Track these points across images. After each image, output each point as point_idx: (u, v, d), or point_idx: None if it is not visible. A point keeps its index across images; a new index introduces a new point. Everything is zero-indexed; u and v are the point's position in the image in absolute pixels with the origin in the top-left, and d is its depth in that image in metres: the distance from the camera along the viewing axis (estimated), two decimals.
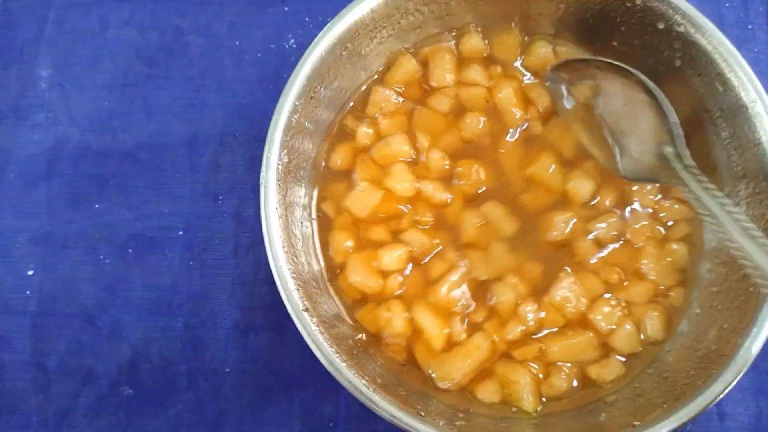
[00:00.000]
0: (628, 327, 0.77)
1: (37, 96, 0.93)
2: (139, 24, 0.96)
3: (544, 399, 0.76)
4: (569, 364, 0.77)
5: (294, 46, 0.93)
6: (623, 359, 0.78)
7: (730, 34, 0.93)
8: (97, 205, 0.89)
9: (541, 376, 0.77)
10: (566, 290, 0.78)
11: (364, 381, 0.68)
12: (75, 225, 0.89)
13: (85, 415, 0.83)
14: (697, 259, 0.80)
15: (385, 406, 0.67)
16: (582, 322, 0.78)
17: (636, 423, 0.68)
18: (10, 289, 0.87)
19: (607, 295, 0.79)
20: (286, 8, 0.96)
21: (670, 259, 0.80)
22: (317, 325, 0.69)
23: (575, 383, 0.77)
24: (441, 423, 0.69)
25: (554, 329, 0.78)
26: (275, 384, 0.83)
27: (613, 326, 0.77)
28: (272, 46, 0.94)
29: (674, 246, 0.80)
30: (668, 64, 0.81)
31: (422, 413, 0.69)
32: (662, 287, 0.79)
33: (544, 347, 0.77)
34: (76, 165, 0.91)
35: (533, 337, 0.78)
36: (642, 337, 0.78)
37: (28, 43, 0.95)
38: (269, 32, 0.95)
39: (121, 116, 0.92)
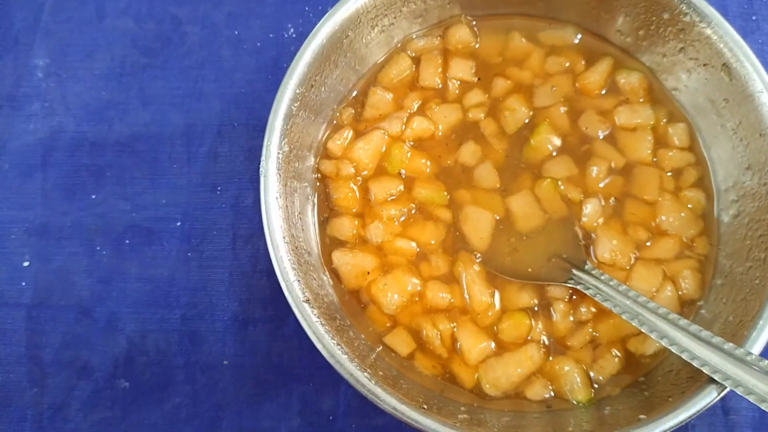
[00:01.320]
0: (668, 289, 0.76)
1: (33, 86, 0.92)
2: (136, 13, 0.95)
3: (596, 385, 0.75)
4: (615, 348, 0.76)
5: (293, 35, 0.93)
6: None
7: (734, 25, 0.92)
8: (93, 196, 0.88)
9: (584, 368, 0.75)
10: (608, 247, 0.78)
11: (365, 373, 0.67)
12: (71, 216, 0.88)
13: (81, 408, 0.82)
14: (713, 202, 0.80)
15: (387, 399, 0.65)
16: None
17: (642, 416, 0.67)
18: (4, 280, 0.86)
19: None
20: None
21: (690, 206, 0.79)
22: (318, 317, 0.68)
23: (621, 363, 0.75)
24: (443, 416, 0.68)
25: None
26: (274, 377, 0.82)
27: (654, 289, 0.76)
28: (271, 35, 0.93)
29: (688, 193, 0.80)
30: (673, 53, 0.80)
31: (425, 406, 0.67)
32: (686, 239, 0.78)
33: (592, 330, 0.76)
34: (72, 155, 0.90)
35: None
36: (680, 293, 0.77)
37: (23, 32, 0.94)
38: (268, 22, 0.94)
39: (118, 106, 0.91)
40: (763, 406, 0.60)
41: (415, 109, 0.83)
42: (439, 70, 0.85)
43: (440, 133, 0.82)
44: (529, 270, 0.77)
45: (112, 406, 0.82)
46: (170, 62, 0.93)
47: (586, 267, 0.75)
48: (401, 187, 0.80)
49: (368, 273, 0.77)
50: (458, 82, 0.84)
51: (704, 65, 0.78)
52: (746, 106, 0.75)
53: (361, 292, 0.78)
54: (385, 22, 0.81)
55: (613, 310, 0.71)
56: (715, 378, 0.63)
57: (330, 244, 0.80)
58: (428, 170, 0.81)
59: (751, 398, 0.61)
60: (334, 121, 0.83)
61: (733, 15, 0.95)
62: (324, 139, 0.82)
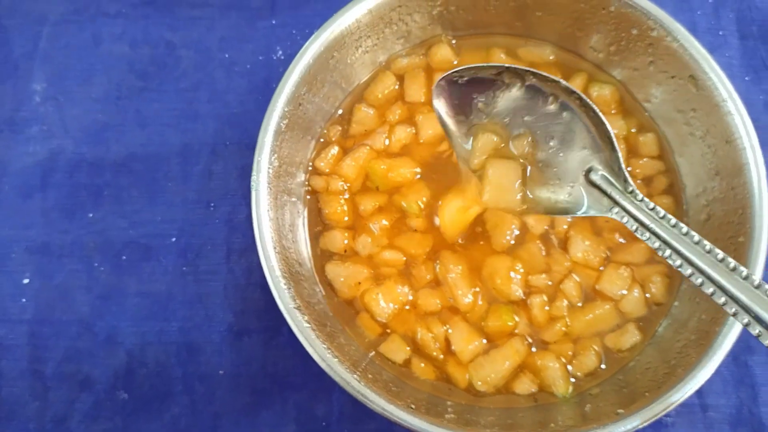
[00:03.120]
0: (636, 292, 0.80)
1: (32, 110, 0.96)
2: (132, 39, 0.98)
3: (573, 380, 0.78)
4: (593, 342, 0.79)
5: (282, 57, 0.96)
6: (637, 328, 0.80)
7: (703, 40, 0.96)
8: (91, 215, 0.91)
9: (563, 360, 0.79)
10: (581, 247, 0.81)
11: (355, 375, 0.70)
12: (70, 234, 0.90)
13: (82, 420, 0.84)
14: (682, 207, 0.83)
15: (376, 400, 0.68)
16: (598, 293, 0.81)
17: (620, 411, 0.70)
18: (6, 297, 0.89)
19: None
20: (274, 22, 0.99)
21: None
22: (309, 323, 0.71)
23: (598, 358, 0.79)
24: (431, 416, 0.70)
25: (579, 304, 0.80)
26: (269, 386, 0.85)
27: (624, 291, 0.80)
28: (261, 58, 0.97)
29: (659, 199, 0.84)
30: (643, 67, 0.84)
31: (412, 406, 0.70)
32: None
33: (569, 323, 0.79)
34: (71, 176, 0.93)
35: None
36: (647, 296, 0.81)
37: (22, 58, 0.98)
38: (258, 45, 0.98)
39: (115, 128, 0.94)
40: None
41: (396, 118, 0.87)
42: (423, 85, 0.88)
43: (422, 140, 0.86)
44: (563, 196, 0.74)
45: (113, 418, 0.84)
46: (165, 85, 0.96)
47: (630, 190, 0.68)
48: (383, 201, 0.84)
49: (360, 283, 0.81)
50: None
51: (672, 77, 0.82)
52: (713, 115, 0.78)
53: (354, 301, 0.81)
54: (368, 43, 0.85)
55: (656, 250, 0.65)
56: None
57: (322, 256, 0.83)
58: (413, 176, 0.85)
59: None
60: (322, 139, 0.87)
61: (702, 31, 0.99)
62: (312, 155, 0.86)
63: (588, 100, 0.70)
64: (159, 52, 0.98)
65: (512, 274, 0.80)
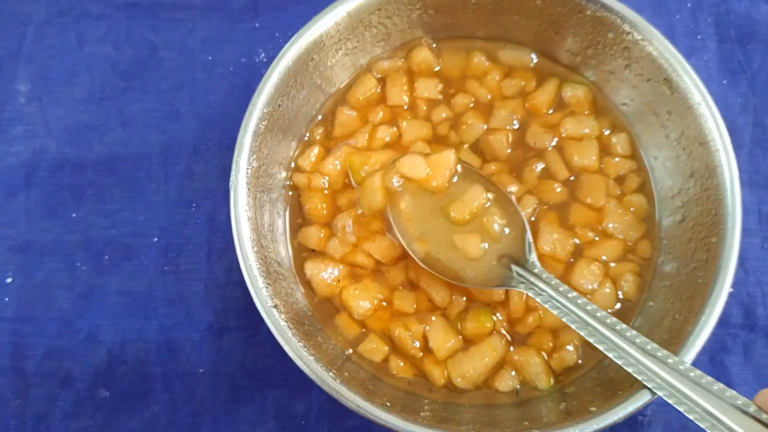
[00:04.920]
0: (607, 288, 0.81)
1: (16, 110, 0.96)
2: (115, 40, 0.99)
3: (555, 372, 0.80)
4: (572, 336, 0.80)
5: (264, 59, 0.97)
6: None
7: (681, 44, 0.99)
8: (74, 214, 0.92)
9: (544, 355, 0.80)
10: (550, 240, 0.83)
11: (331, 373, 0.70)
12: (52, 233, 0.91)
13: (63, 418, 0.85)
14: (654, 206, 0.85)
15: (351, 397, 0.69)
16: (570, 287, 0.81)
17: (593, 409, 0.71)
18: None
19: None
20: (256, 24, 1.00)
21: (633, 209, 0.84)
22: (286, 321, 0.72)
23: (579, 352, 0.81)
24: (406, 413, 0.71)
25: None
26: (248, 384, 0.86)
27: (595, 285, 0.81)
28: (243, 60, 0.98)
29: (631, 198, 0.85)
30: (619, 70, 0.85)
31: (388, 404, 0.71)
32: (630, 242, 0.84)
33: (541, 314, 0.81)
34: (54, 175, 0.94)
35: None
36: (619, 293, 0.82)
37: (6, 59, 0.99)
38: (240, 47, 0.99)
39: (98, 128, 0.95)
40: (691, 417, 0.64)
41: (378, 120, 0.88)
42: (405, 88, 0.89)
43: (404, 143, 0.87)
44: (471, 273, 0.79)
45: (94, 415, 0.85)
46: (148, 86, 0.97)
47: (535, 269, 0.77)
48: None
49: (339, 281, 0.82)
50: (425, 100, 0.90)
51: (648, 80, 0.83)
52: (687, 117, 0.79)
53: (333, 299, 0.82)
54: (348, 46, 0.86)
55: (558, 316, 0.73)
56: (649, 386, 0.68)
57: (300, 251, 0.84)
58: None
59: (681, 408, 0.65)
60: (305, 139, 0.88)
61: (680, 35, 1.00)
62: (295, 155, 0.87)
63: (497, 187, 0.79)
64: (142, 54, 0.98)
65: None
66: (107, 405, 0.85)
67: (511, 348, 0.80)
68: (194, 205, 0.92)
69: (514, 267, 0.77)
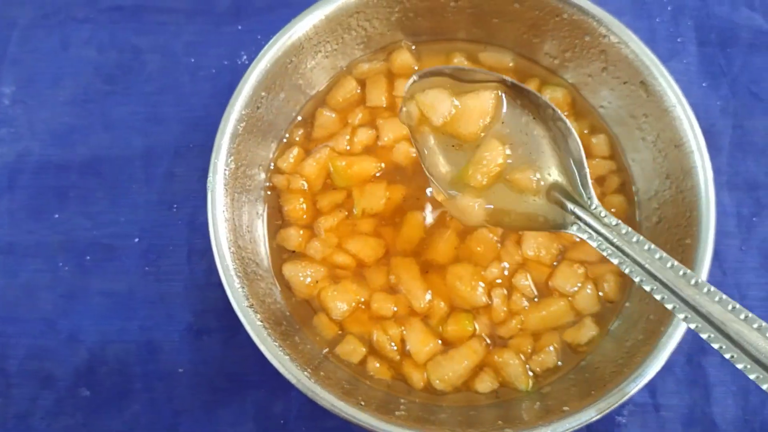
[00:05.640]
0: (589, 289, 0.82)
1: (0, 112, 0.97)
2: (99, 43, 1.00)
3: (532, 374, 0.80)
4: (552, 337, 0.81)
5: (246, 62, 0.98)
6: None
7: (662, 47, 0.99)
8: (56, 216, 0.93)
9: (522, 357, 0.80)
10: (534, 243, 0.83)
11: (305, 373, 0.71)
12: (35, 234, 0.92)
13: (44, 417, 0.86)
14: (634, 207, 0.86)
15: (325, 396, 0.70)
16: (551, 289, 0.83)
17: (565, 408, 0.71)
18: None
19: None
20: (239, 27, 1.01)
21: (614, 209, 0.85)
22: (261, 321, 0.73)
23: (560, 354, 0.81)
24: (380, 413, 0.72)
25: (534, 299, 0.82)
26: (228, 384, 0.86)
27: (576, 288, 0.82)
28: (226, 62, 0.99)
29: (612, 198, 0.86)
30: (597, 73, 0.86)
31: (362, 402, 0.72)
32: None
33: (523, 319, 0.81)
34: (38, 177, 0.94)
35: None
36: (600, 294, 0.82)
37: None
38: (223, 50, 1.00)
39: (81, 131, 0.96)
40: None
41: (357, 122, 0.89)
42: (384, 89, 0.90)
43: (381, 143, 0.88)
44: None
45: (75, 414, 0.86)
46: (131, 89, 0.98)
47: (592, 207, 0.69)
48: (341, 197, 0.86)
49: (317, 282, 0.82)
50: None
51: (625, 83, 0.83)
52: (663, 120, 0.80)
53: (312, 301, 0.83)
54: (328, 48, 0.87)
55: (619, 266, 0.66)
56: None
57: (280, 252, 0.84)
58: (374, 172, 0.86)
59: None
60: (285, 140, 0.88)
61: (661, 38, 1.01)
62: (275, 156, 0.88)
63: (563, 116, 0.72)
64: (126, 57, 0.99)
65: (475, 282, 0.81)
66: (88, 404, 0.86)
67: (491, 349, 0.81)
68: (175, 206, 0.93)
69: (568, 204, 0.70)
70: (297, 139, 0.88)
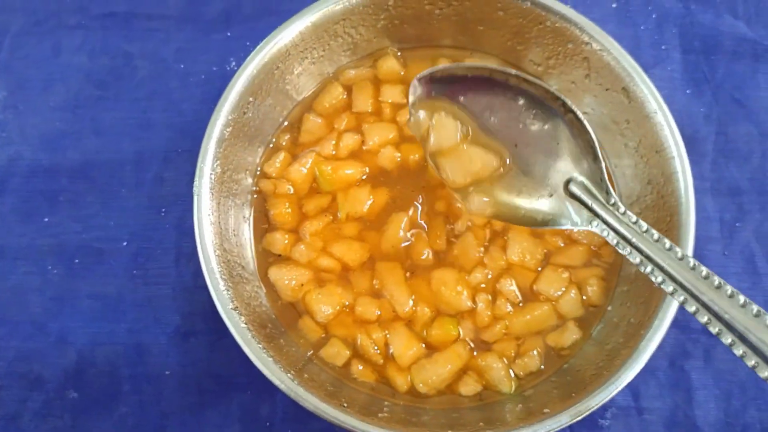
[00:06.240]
0: (573, 293, 0.83)
1: None
2: (90, 50, 1.02)
3: (516, 377, 0.81)
4: (535, 341, 0.82)
5: (236, 68, 0.98)
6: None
7: (646, 54, 1.00)
8: (47, 219, 0.94)
9: (506, 361, 0.81)
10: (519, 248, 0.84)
11: (289, 375, 0.72)
12: (26, 238, 0.93)
13: (32, 419, 0.87)
14: None
15: (308, 398, 0.71)
16: (535, 294, 0.83)
17: (546, 410, 0.72)
18: None
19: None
20: (229, 34, 1.02)
21: None
22: (246, 323, 0.74)
23: (542, 358, 0.82)
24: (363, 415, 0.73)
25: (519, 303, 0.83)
26: (215, 386, 0.87)
27: (560, 292, 0.83)
28: (215, 68, 1.00)
29: None
30: (580, 80, 0.87)
31: (345, 404, 0.72)
32: (594, 247, 0.85)
33: (507, 324, 0.82)
34: (28, 181, 0.95)
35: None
36: (584, 298, 0.83)
37: None
38: (213, 56, 1.01)
39: (72, 135, 0.97)
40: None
41: (343, 127, 0.90)
42: (371, 96, 0.91)
43: (366, 147, 0.89)
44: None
45: (63, 416, 0.87)
46: (121, 94, 0.99)
47: (611, 202, 0.69)
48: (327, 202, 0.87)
49: (303, 285, 0.83)
50: (389, 105, 0.91)
51: (607, 89, 0.85)
52: (644, 126, 0.81)
53: (297, 304, 0.84)
54: (315, 55, 0.88)
55: (639, 268, 0.66)
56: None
57: (266, 256, 0.86)
58: (360, 176, 0.87)
59: None
60: (271, 145, 0.90)
61: (645, 45, 1.02)
62: (261, 161, 0.89)
63: (574, 108, 0.73)
64: (116, 63, 1.00)
65: (460, 287, 0.82)
66: (76, 406, 0.87)
67: (475, 353, 0.82)
68: (164, 210, 0.94)
69: (586, 200, 0.70)
70: (284, 143, 0.90)
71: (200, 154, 0.78)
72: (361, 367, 0.81)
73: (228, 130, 0.80)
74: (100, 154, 0.96)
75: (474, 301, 0.82)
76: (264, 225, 0.87)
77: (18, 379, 0.88)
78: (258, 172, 0.88)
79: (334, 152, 0.88)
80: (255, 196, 0.88)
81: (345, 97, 0.91)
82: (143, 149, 0.96)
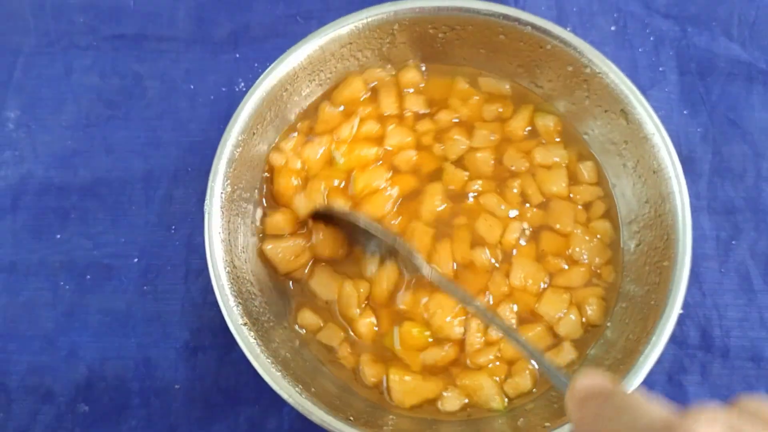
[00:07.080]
0: (572, 316, 0.85)
1: (5, 136, 1.00)
2: (101, 70, 1.04)
3: (507, 399, 0.83)
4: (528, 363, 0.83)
5: (244, 89, 1.01)
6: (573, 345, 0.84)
7: (644, 76, 1.03)
8: (58, 236, 0.95)
9: (498, 379, 0.83)
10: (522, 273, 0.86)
11: (297, 389, 0.74)
12: (38, 254, 0.95)
13: None
14: (619, 232, 0.89)
15: (315, 411, 0.73)
16: (535, 316, 0.85)
17: (546, 425, 0.74)
18: None
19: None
20: (237, 55, 1.04)
21: (599, 236, 0.88)
22: (255, 338, 0.76)
23: (533, 377, 0.83)
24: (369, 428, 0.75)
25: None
26: (222, 400, 0.89)
27: (561, 314, 0.84)
28: (224, 89, 1.02)
29: (597, 224, 0.89)
30: (580, 101, 0.89)
31: (351, 418, 0.74)
32: (594, 267, 0.87)
33: (500, 348, 0.84)
34: (40, 199, 0.97)
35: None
36: (583, 319, 0.85)
37: None
38: (221, 77, 1.03)
39: (83, 154, 0.99)
40: None
41: (366, 115, 0.92)
42: (395, 99, 0.93)
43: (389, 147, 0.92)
44: None
45: (73, 429, 0.88)
46: (132, 114, 1.01)
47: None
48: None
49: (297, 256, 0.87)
50: (412, 112, 0.93)
51: (606, 111, 0.87)
52: (642, 146, 0.83)
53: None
54: (321, 77, 0.90)
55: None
56: None
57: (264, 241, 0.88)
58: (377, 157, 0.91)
59: None
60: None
61: (643, 67, 1.04)
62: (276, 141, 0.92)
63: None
64: (127, 83, 1.03)
65: (449, 317, 0.84)
66: (86, 419, 0.88)
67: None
68: (173, 228, 0.95)
69: None
70: (300, 129, 0.93)
71: (211, 174, 0.80)
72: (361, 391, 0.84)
73: (238, 150, 0.82)
74: (110, 172, 0.98)
75: (466, 329, 0.84)
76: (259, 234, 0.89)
77: (29, 393, 0.89)
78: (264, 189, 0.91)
79: (353, 131, 0.91)
80: (265, 175, 0.90)
81: (369, 95, 0.94)
82: (153, 167, 0.98)
